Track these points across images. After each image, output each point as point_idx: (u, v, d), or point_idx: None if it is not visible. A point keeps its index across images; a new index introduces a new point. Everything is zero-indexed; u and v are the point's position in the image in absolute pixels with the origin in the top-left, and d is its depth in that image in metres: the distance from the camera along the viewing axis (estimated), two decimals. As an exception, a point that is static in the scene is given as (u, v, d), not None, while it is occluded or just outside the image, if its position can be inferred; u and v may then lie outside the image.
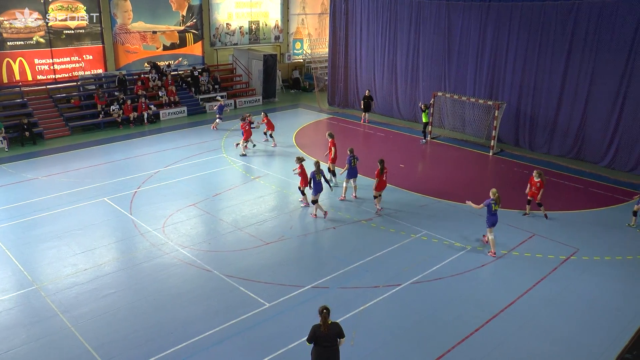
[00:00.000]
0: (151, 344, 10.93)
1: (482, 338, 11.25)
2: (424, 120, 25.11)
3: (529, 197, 17.26)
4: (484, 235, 15.50)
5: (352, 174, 18.30)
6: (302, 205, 17.89)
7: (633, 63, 20.66)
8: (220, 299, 12.51)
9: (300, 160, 17.67)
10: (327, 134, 20.51)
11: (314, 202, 16.90)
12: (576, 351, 10.91)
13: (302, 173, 17.50)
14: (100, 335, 11.19)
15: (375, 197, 17.42)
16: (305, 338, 9.16)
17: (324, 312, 8.94)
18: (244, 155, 22.79)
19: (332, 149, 19.66)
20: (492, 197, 14.56)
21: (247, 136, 22.97)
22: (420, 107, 25.41)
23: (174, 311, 12.07)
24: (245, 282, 13.21)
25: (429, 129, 25.43)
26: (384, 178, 17.28)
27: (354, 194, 18.64)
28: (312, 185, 16.82)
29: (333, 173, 19.83)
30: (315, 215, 16.99)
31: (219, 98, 31.49)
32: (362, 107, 29.17)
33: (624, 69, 20.91)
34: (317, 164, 16.97)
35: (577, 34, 21.95)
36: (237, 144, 23.44)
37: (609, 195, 19.13)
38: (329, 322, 8.99)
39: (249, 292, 12.75)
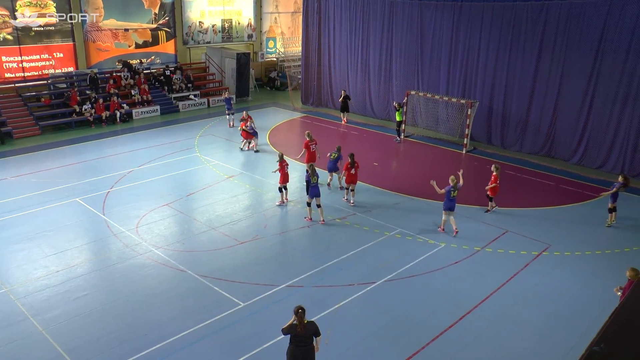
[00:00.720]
0: (125, 345, 10.87)
1: (457, 334, 11.43)
2: (397, 119, 25.27)
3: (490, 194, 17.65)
4: (439, 226, 16.15)
5: (331, 166, 19.31)
6: (277, 204, 17.91)
7: (600, 63, 21.12)
8: (194, 299, 12.49)
9: (280, 156, 17.84)
10: (305, 133, 20.67)
11: (310, 204, 16.75)
12: (548, 345, 11.16)
13: (282, 170, 17.63)
14: (73, 338, 11.08)
15: (343, 188, 18.32)
16: (282, 328, 9.24)
17: (300, 311, 9.00)
18: (257, 151, 23.34)
19: (305, 149, 19.84)
20: (451, 183, 15.54)
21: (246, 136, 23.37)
22: (394, 106, 25.58)
23: (148, 312, 12.01)
24: (219, 281, 13.20)
25: (403, 128, 25.62)
26: (353, 172, 17.78)
27: (339, 185, 19.55)
28: (308, 189, 16.71)
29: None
30: (310, 218, 16.76)
31: (192, 96, 31.39)
32: (340, 108, 29.02)
33: (592, 69, 21.37)
34: (311, 167, 16.72)
35: (547, 34, 22.36)
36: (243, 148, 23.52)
37: (579, 192, 19.54)
38: (305, 321, 9.06)
39: (224, 292, 12.75)
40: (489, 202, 17.71)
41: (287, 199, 18.09)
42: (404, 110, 25.45)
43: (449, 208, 15.72)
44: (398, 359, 10.60)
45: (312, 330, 9.14)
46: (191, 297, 12.60)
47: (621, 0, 20.15)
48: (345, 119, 28.78)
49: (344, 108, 28.61)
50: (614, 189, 16.48)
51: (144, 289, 12.95)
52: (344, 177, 18.41)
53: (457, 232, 15.76)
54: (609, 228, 16.64)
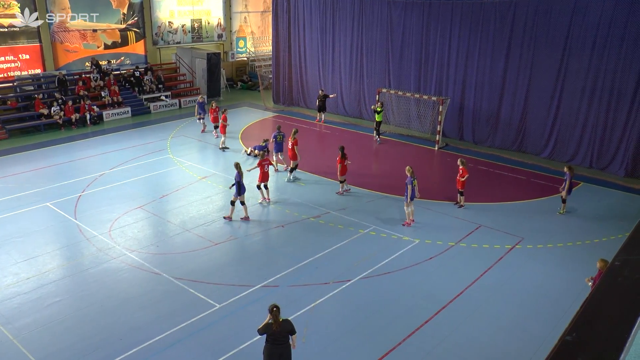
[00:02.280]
0: (100, 351, 10.73)
1: (432, 329, 11.55)
2: (377, 119, 24.92)
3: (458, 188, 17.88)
4: (404, 222, 16.42)
5: (277, 148, 20.74)
6: (259, 202, 17.99)
7: (567, 59, 21.54)
8: (169, 302, 12.39)
9: (262, 155, 18.26)
10: (292, 131, 20.56)
11: (233, 203, 16.60)
12: (522, 336, 11.36)
13: (261, 169, 17.72)
14: (46, 345, 10.90)
15: (341, 182, 18.58)
16: (258, 329, 9.28)
17: (275, 310, 9.06)
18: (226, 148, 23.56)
19: (295, 147, 19.90)
20: (408, 174, 16.04)
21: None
22: (375, 109, 25.02)
23: (123, 317, 11.87)
24: (194, 283, 13.12)
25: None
26: (345, 164, 18.47)
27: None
28: (236, 187, 16.45)
29: (292, 169, 20.22)
30: (231, 218, 16.66)
31: (163, 97, 31.09)
32: (317, 107, 28.81)
33: (560, 65, 21.78)
34: (237, 165, 16.59)
35: (515, 31, 22.71)
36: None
37: (550, 185, 19.88)
38: (280, 319, 9.10)
39: (199, 294, 12.67)
40: (460, 197, 17.84)
41: (268, 199, 18.10)
42: (380, 111, 25.43)
43: (412, 197, 16.15)
44: (375, 356, 10.67)
45: (288, 328, 9.20)
46: (166, 300, 12.50)
47: (585, -2, 20.62)
48: (322, 118, 28.69)
49: (321, 107, 28.56)
50: (569, 181, 16.88)
51: (118, 293, 12.80)
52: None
53: (412, 223, 16.37)
54: (579, 220, 16.96)
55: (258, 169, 17.78)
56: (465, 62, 24.50)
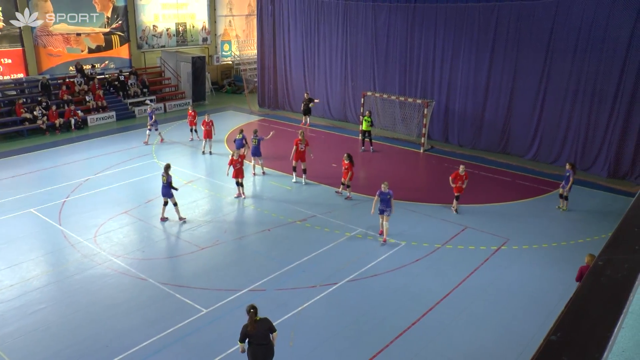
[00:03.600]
0: (86, 358, 10.63)
1: (419, 331, 11.58)
2: (363, 127, 24.26)
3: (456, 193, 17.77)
4: (384, 239, 15.47)
5: (254, 152, 20.61)
6: (235, 196, 18.41)
7: (551, 61, 21.77)
8: (156, 308, 12.31)
9: (237, 153, 18.50)
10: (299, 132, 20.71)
11: (174, 203, 16.62)
12: (509, 336, 11.43)
13: (234, 165, 18.22)
14: (30, 354, 10.76)
15: (348, 186, 18.63)
16: (239, 339, 9.26)
17: (251, 311, 9.11)
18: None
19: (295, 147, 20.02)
20: (384, 189, 15.28)
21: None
22: (365, 115, 24.51)
23: (109, 323, 11.77)
24: (181, 289, 13.05)
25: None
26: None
27: (262, 171, 20.98)
28: (168, 188, 16.47)
29: (304, 171, 20.30)
30: (163, 218, 16.80)
31: (148, 102, 30.90)
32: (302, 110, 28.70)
33: (543, 67, 22.01)
34: (166, 167, 16.61)
35: (499, 34, 22.92)
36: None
37: (535, 187, 20.08)
38: (257, 318, 9.12)
39: (186, 299, 12.61)
40: (455, 201, 17.75)
41: (243, 194, 18.59)
42: (363, 113, 25.50)
43: (383, 210, 15.35)
44: (362, 358, 10.67)
45: (266, 327, 9.17)
46: (153, 305, 12.42)
47: (567, 1, 20.83)
48: (307, 121, 28.68)
49: (307, 111, 28.54)
50: (572, 178, 17.26)
51: (104, 299, 12.70)
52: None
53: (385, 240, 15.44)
54: (563, 220, 17.14)
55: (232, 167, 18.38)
56: (450, 65, 24.67)
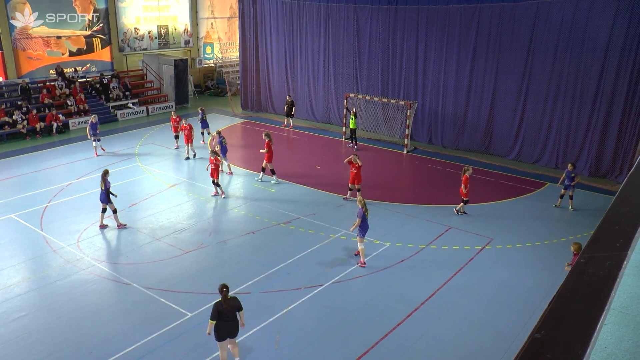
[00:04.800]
0: (69, 364, 10.52)
1: (405, 331, 11.63)
2: (351, 126, 24.63)
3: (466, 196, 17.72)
4: (356, 252, 14.75)
5: (223, 151, 20.75)
6: (212, 194, 18.82)
7: (532, 62, 21.98)
8: (140, 313, 12.22)
9: (214, 153, 18.70)
10: (263, 134, 20.60)
11: (113, 210, 16.31)
12: (494, 335, 11.52)
13: (215, 166, 18.56)
14: (12, 360, 10.64)
15: (359, 190, 17.98)
16: (210, 317, 9.82)
17: (224, 290, 9.79)
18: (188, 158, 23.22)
19: (267, 148, 19.98)
20: (359, 205, 14.14)
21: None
22: (351, 113, 24.75)
23: (93, 329, 11.65)
24: (165, 293, 12.96)
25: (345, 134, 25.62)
26: (354, 170, 18.06)
27: (228, 171, 21.21)
28: (106, 195, 16.07)
29: (272, 171, 20.27)
30: (102, 225, 16.47)
31: (130, 105, 30.71)
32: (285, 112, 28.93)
33: (524, 68, 22.22)
34: (104, 173, 16.21)
35: (480, 35, 23.11)
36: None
37: (518, 186, 20.26)
38: (229, 297, 9.85)
39: (171, 303, 12.53)
40: (462, 204, 17.71)
41: (222, 193, 18.92)
42: (346, 113, 25.59)
43: (366, 231, 14.17)
44: (349, 359, 10.67)
45: (235, 305, 9.91)
46: (137, 310, 12.32)
47: (547, 3, 21.06)
48: (289, 123, 28.73)
49: (288, 112, 28.60)
50: (577, 178, 17.71)
51: (87, 305, 12.57)
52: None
53: (364, 265, 14.32)
54: (546, 219, 17.31)
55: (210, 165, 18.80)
56: (432, 66, 24.81)
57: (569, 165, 17.78)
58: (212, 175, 18.74)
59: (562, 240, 15.80)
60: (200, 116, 25.43)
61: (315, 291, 13.11)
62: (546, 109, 22.12)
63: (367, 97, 26.12)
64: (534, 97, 22.33)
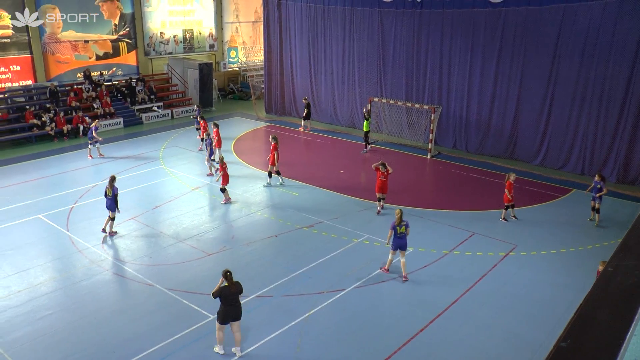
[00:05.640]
0: (92, 364, 10.65)
1: (427, 337, 11.52)
2: (365, 129, 24.87)
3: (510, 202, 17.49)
4: (382, 267, 14.25)
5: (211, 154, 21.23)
6: (222, 202, 18.54)
7: (557, 66, 21.68)
8: (163, 314, 12.31)
9: (221, 160, 18.54)
10: (270, 137, 20.65)
11: (112, 217, 16.13)
12: (517, 343, 11.35)
13: (224, 172, 18.36)
14: (37, 359, 10.79)
15: (379, 199, 17.82)
16: (212, 292, 10.40)
17: (228, 274, 10.38)
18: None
19: (274, 152, 19.98)
20: (396, 217, 13.65)
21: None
22: (364, 114, 25.10)
23: (116, 329, 11.78)
24: (188, 294, 13.05)
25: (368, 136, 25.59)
26: (383, 178, 17.55)
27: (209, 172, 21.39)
28: (114, 202, 15.90)
29: (277, 173, 20.32)
30: (105, 230, 16.25)
31: (155, 108, 31.05)
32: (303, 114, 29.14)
33: (550, 72, 21.92)
34: (111, 179, 16.10)
35: (505, 39, 22.86)
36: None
37: (543, 192, 19.97)
38: (234, 282, 10.44)
39: (193, 305, 12.60)
40: (505, 211, 17.50)
41: (229, 199, 18.76)
42: (368, 118, 25.55)
43: (398, 246, 13.65)
44: (370, 365, 10.64)
45: (239, 289, 10.51)
46: (160, 311, 12.42)
47: (574, 6, 20.77)
48: (307, 126, 28.90)
49: (306, 115, 28.77)
50: (604, 189, 16.89)
51: (111, 305, 12.72)
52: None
53: (406, 279, 13.76)
54: (572, 226, 17.01)
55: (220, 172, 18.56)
56: (457, 70, 24.64)
57: (596, 175, 17.29)
58: (226, 182, 18.56)
59: (588, 248, 15.54)
60: (197, 113, 26.52)
61: (337, 296, 13.08)
62: (572, 113, 21.79)
63: (391, 102, 26.02)
64: (559, 101, 22.02)
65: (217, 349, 10.87)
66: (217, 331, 10.76)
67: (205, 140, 21.76)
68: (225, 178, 18.52)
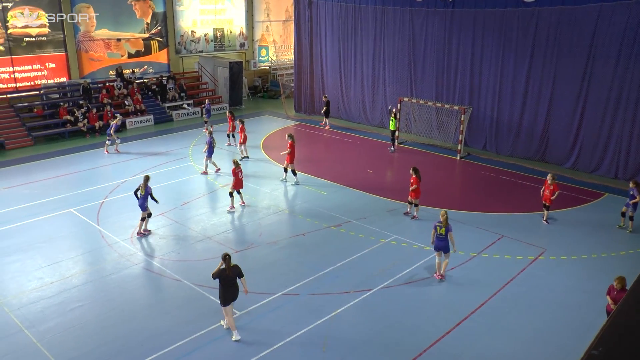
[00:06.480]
0: (120, 356, 10.81)
1: (453, 340, 11.41)
2: (391, 127, 25.03)
3: (543, 201, 17.32)
4: (435, 273, 14.04)
5: (210, 152, 21.22)
6: (228, 210, 17.96)
7: (592, 67, 21.24)
8: (190, 309, 12.43)
9: (236, 164, 17.89)
10: (287, 135, 20.81)
11: (148, 214, 16.15)
12: (545, 349, 11.16)
13: (235, 175, 17.76)
14: (68, 350, 11.01)
15: (415, 205, 17.40)
16: (212, 274, 11.15)
17: (227, 258, 11.06)
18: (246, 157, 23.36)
19: (292, 150, 20.17)
20: (441, 219, 13.55)
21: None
22: (392, 112, 25.07)
23: (144, 322, 11.95)
24: (215, 290, 13.01)
25: (397, 135, 25.55)
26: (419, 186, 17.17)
27: (204, 170, 21.48)
28: (145, 200, 15.93)
29: (293, 172, 20.39)
30: (141, 232, 16.16)
31: (185, 106, 31.31)
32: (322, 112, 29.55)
33: (584, 73, 21.49)
34: (145, 179, 16.10)
35: (538, 39, 22.49)
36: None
37: (574, 196, 19.59)
38: (232, 265, 11.09)
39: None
40: (546, 211, 17.35)
41: (243, 202, 18.30)
42: (397, 117, 25.47)
43: (437, 248, 13.65)
44: (395, 366, 10.58)
45: (237, 272, 11.19)
46: (186, 306, 12.55)
47: (611, 5, 20.32)
48: (326, 123, 29.29)
49: (325, 113, 29.16)
50: (637, 197, 16.24)
51: (139, 299, 12.90)
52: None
53: (442, 278, 13.81)
54: (603, 231, 16.66)
55: (233, 177, 17.89)
56: (488, 70, 24.34)
57: (631, 182, 16.68)
58: (237, 186, 17.87)
59: (621, 254, 15.21)
60: (207, 106, 27.69)
61: (364, 296, 13.04)
62: (606, 116, 21.32)
63: (420, 102, 25.84)
64: (593, 103, 21.57)
65: (234, 337, 11.26)
66: (226, 317, 11.33)
67: (207, 138, 21.47)
68: (238, 182, 17.81)
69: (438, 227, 13.47)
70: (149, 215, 16.22)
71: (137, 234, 16.20)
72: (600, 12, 20.59)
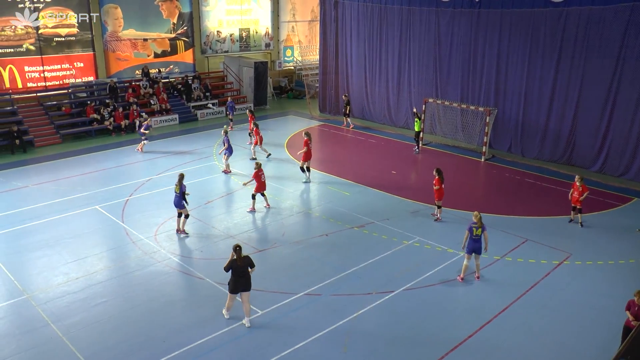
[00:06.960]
0: (143, 352, 10.88)
1: (475, 344, 11.26)
2: (416, 129, 24.90)
3: (572, 204, 17.10)
4: (459, 275, 13.90)
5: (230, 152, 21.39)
6: (248, 210, 17.92)
7: (622, 69, 20.81)
8: (212, 307, 12.47)
9: (258, 166, 17.74)
10: (303, 132, 20.87)
11: (185, 215, 16.17)
12: (569, 356, 10.95)
13: (257, 178, 17.60)
14: (92, 344, 11.13)
15: (438, 206, 17.28)
16: (224, 267, 11.47)
17: (238, 249, 11.40)
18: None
19: (308, 148, 20.26)
20: (474, 219, 13.39)
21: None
22: (414, 113, 25.03)
23: (166, 319, 12.01)
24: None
25: (421, 137, 25.36)
26: (443, 187, 17.00)
27: (226, 169, 21.63)
28: (181, 199, 15.91)
29: (308, 169, 20.56)
30: (183, 231, 16.24)
31: (210, 105, 31.49)
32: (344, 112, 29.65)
33: (613, 75, 21.07)
34: (180, 176, 16.13)
35: (566, 40, 22.12)
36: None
37: (601, 200, 19.22)
38: (242, 256, 11.42)
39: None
40: (572, 212, 17.20)
41: (267, 205, 18.17)
42: (422, 118, 25.29)
43: (472, 250, 13.47)
44: (418, 369, 10.48)
45: (248, 262, 11.49)
46: (209, 304, 12.59)
47: (642, 5, 19.91)
48: (349, 123, 29.43)
49: (345, 112, 29.34)
50: None
51: (162, 296, 12.97)
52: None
53: (479, 278, 13.86)
54: (630, 237, 16.30)
55: (254, 180, 17.71)
56: (514, 72, 24.02)
57: None
58: (260, 189, 17.81)
59: (651, 259, 14.88)
60: (230, 103, 28.96)
61: (386, 297, 12.94)
62: (635, 119, 20.86)
63: (445, 103, 25.62)
64: (622, 106, 21.13)
65: (224, 312, 12.00)
66: (228, 300, 11.84)
67: (223, 138, 21.53)
68: (261, 185, 17.70)
69: (474, 229, 13.24)
70: (187, 216, 16.20)
71: (177, 231, 16.26)
72: (632, 12, 20.13)
